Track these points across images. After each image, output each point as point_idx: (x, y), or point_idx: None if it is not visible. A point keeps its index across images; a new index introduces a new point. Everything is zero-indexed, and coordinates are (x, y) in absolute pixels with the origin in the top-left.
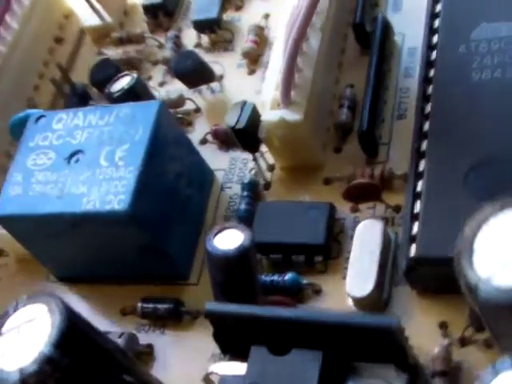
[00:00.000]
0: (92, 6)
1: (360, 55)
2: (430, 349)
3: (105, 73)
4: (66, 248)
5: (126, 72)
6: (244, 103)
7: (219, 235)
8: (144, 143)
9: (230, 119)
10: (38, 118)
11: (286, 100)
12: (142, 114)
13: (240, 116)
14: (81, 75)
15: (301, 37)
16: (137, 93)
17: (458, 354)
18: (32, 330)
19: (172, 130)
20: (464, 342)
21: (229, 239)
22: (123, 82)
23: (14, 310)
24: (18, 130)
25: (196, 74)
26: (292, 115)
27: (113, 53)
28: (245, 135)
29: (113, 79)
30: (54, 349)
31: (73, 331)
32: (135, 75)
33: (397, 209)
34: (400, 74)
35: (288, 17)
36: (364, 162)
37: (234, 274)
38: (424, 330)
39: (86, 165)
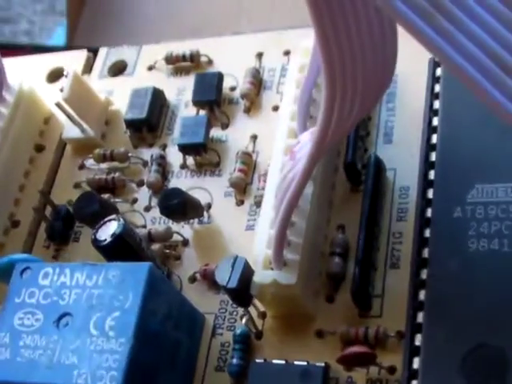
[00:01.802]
0: (73, 120)
1: (350, 192)
2: None
3: (89, 208)
4: None
5: (112, 216)
6: (235, 259)
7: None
8: (135, 312)
9: (221, 277)
10: (23, 270)
11: (279, 262)
12: (132, 277)
13: (231, 274)
14: (62, 193)
15: (295, 202)
16: (124, 240)
17: None
18: None
19: (163, 289)
20: None
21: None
22: (109, 229)
23: None
24: (3, 277)
25: (183, 211)
26: (285, 277)
27: (95, 167)
28: (236, 293)
29: (98, 224)
30: None
31: None
32: (122, 221)
33: (391, 370)
34: (393, 216)
35: (280, 177)
36: (357, 314)
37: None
38: None
39: (75, 331)
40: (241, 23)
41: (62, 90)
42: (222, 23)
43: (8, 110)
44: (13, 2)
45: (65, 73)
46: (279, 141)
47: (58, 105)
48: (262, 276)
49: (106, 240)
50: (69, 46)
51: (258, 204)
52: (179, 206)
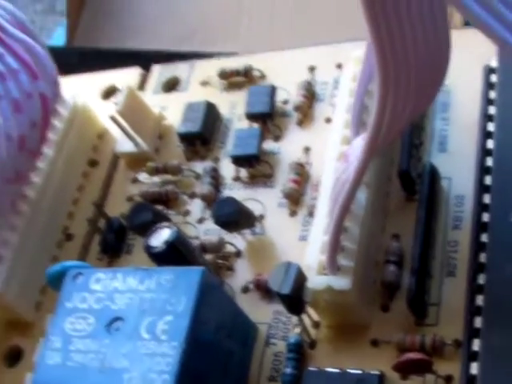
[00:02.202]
0: (127, 134)
1: (405, 201)
2: None
3: (142, 218)
4: None
5: (165, 224)
6: (288, 265)
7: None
8: (187, 316)
9: (275, 283)
10: (76, 276)
11: (333, 268)
12: (185, 282)
13: (285, 280)
14: (115, 206)
15: (348, 205)
16: (176, 248)
17: None
18: None
19: (216, 296)
20: None
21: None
22: (162, 236)
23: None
24: (55, 284)
25: (236, 221)
26: (339, 283)
27: (148, 181)
28: (290, 300)
29: (151, 230)
30: None
31: None
32: (175, 229)
33: (448, 379)
34: (448, 225)
35: (333, 182)
36: (413, 322)
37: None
38: None
39: (126, 335)
40: (241, 23)
41: (116, 104)
42: (221, 23)
43: (62, 124)
44: (13, 2)
45: (120, 87)
46: (332, 148)
47: (112, 118)
48: (316, 282)
49: (158, 247)
50: (69, 47)
51: (312, 214)
52: (233, 215)
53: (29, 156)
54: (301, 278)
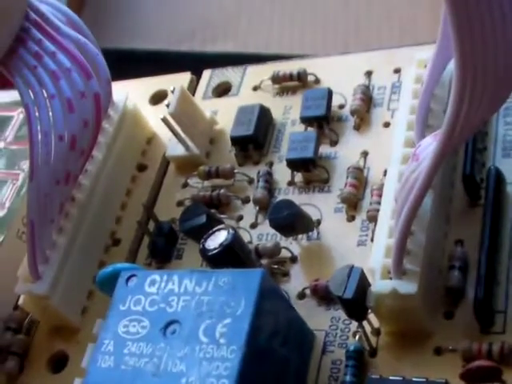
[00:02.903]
0: (178, 137)
1: (468, 206)
2: None
3: (196, 221)
4: None
5: (221, 226)
6: (351, 268)
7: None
8: (247, 319)
9: (336, 286)
10: (129, 278)
11: (399, 271)
12: (244, 284)
13: (347, 284)
14: (165, 211)
15: (418, 205)
16: (233, 250)
17: None
18: None
19: (275, 299)
20: None
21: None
22: (219, 239)
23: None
24: (106, 287)
25: (294, 224)
26: (405, 287)
27: (199, 185)
28: (352, 305)
29: (207, 233)
30: None
31: None
32: (232, 231)
33: None
34: None
35: (400, 181)
36: (478, 330)
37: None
38: None
39: (183, 338)
40: (241, 23)
41: (168, 106)
42: (221, 23)
43: (112, 126)
44: None
45: (171, 88)
46: (396, 150)
47: (164, 120)
48: (380, 286)
49: (215, 249)
50: None
51: (371, 219)
52: (291, 217)
53: (80, 156)
54: (363, 282)
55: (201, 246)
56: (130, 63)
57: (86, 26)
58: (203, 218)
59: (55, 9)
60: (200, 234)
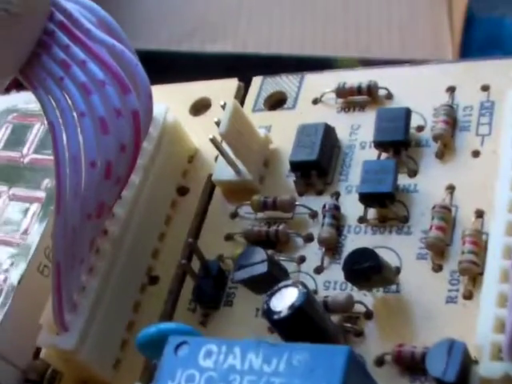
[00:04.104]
0: (227, 159)
1: None
2: None
3: (255, 269)
4: None
5: (289, 282)
6: (451, 345)
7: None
8: None
9: (435, 367)
10: (179, 346)
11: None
12: (325, 365)
13: (448, 364)
14: (211, 245)
15: None
16: (305, 313)
17: None
18: None
19: (362, 382)
20: None
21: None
22: (287, 298)
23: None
24: (149, 351)
25: (373, 276)
26: None
27: (251, 216)
28: None
29: (272, 290)
30: None
31: None
32: (303, 289)
33: None
34: None
35: None
36: None
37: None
38: None
39: None
40: (241, 23)
41: (218, 124)
42: (221, 22)
43: (151, 145)
44: None
45: (221, 103)
46: (501, 196)
47: (213, 141)
48: (490, 369)
49: (282, 312)
50: None
51: (464, 271)
52: (372, 271)
53: (115, 185)
54: (467, 362)
55: (264, 305)
56: None
57: None
58: (264, 267)
59: (85, 8)
60: (258, 284)
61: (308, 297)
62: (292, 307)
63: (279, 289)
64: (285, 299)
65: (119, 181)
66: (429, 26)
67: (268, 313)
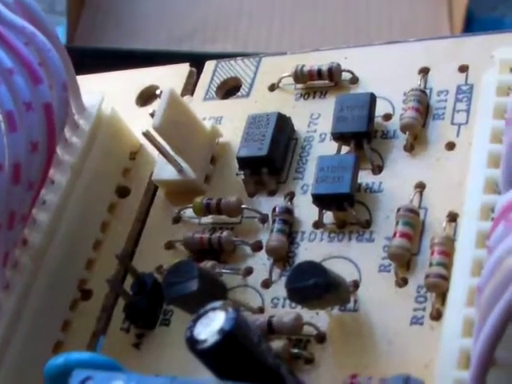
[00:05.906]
0: (166, 156)
1: None
2: None
3: (184, 288)
4: None
5: (216, 304)
6: (406, 381)
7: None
8: None
9: None
10: (84, 381)
11: None
12: None
13: None
14: (150, 255)
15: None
16: (235, 341)
17: None
18: None
19: None
20: None
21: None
22: (213, 324)
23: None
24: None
25: (323, 297)
26: None
27: (195, 221)
28: None
29: (196, 315)
30: None
31: None
32: (232, 312)
33: None
34: None
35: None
36: None
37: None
38: None
39: None
40: (241, 23)
41: (152, 115)
42: (221, 23)
43: (82, 140)
44: None
45: (157, 92)
46: (471, 199)
47: (147, 135)
48: None
49: (207, 341)
50: (69, 47)
51: (432, 287)
52: (319, 290)
53: (27, 191)
54: None
55: (187, 333)
56: (129, 63)
57: (86, 26)
58: (194, 285)
59: None
60: (190, 304)
61: (238, 321)
62: (217, 334)
63: (206, 312)
64: (211, 325)
65: (31, 186)
66: (429, 26)
67: (191, 341)
